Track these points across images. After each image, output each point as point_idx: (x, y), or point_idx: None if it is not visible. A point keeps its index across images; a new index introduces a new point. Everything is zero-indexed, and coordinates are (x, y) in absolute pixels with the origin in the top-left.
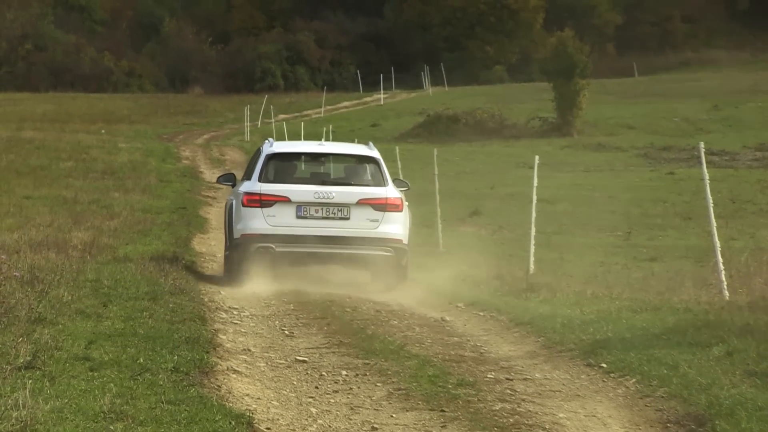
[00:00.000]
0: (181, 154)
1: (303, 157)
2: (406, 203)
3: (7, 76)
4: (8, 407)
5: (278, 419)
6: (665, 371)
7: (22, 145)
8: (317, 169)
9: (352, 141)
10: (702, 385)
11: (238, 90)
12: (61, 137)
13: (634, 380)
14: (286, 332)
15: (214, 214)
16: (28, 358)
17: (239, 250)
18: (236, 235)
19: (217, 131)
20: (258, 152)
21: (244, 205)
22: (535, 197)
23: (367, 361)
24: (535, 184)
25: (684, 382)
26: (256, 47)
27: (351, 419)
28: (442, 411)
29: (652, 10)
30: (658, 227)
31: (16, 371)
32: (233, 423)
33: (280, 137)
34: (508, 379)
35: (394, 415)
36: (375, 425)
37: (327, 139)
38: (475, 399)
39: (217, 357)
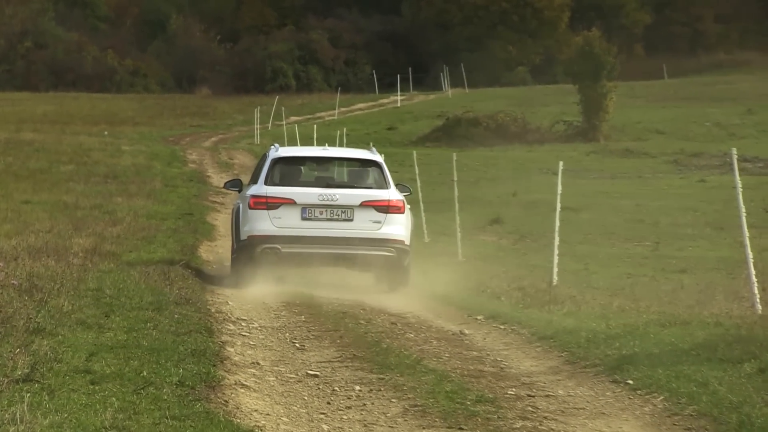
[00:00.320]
0: (187, 157)
1: (307, 161)
2: (408, 206)
3: (6, 75)
4: (5, 422)
5: None
6: (694, 388)
7: (20, 148)
8: (321, 172)
9: (367, 145)
10: (733, 404)
11: (247, 91)
12: (62, 139)
13: (661, 398)
14: (297, 345)
15: (222, 221)
16: (26, 371)
17: (246, 251)
18: (243, 236)
19: (226, 134)
20: (264, 157)
21: (250, 208)
22: (559, 205)
23: (381, 376)
24: (559, 191)
25: (714, 400)
26: (267, 46)
27: None
28: (461, 429)
29: (683, 10)
30: (687, 237)
31: (13, 384)
32: None
33: (292, 140)
34: (529, 395)
35: None
36: None
37: (341, 144)
38: (495, 416)
39: (225, 370)
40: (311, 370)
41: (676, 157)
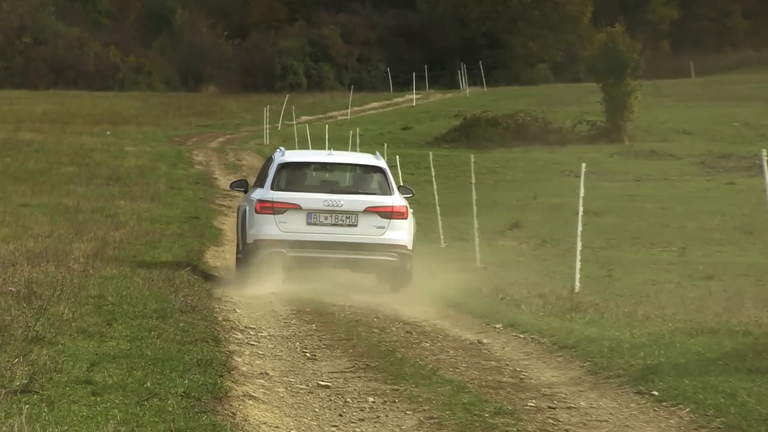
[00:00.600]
0: (193, 158)
1: (313, 166)
2: (411, 211)
3: (4, 72)
4: None
5: None
6: (722, 400)
7: (19, 148)
8: (326, 177)
9: (381, 146)
10: (762, 416)
11: (256, 89)
12: (62, 139)
13: (688, 410)
14: (308, 354)
15: (230, 225)
16: (25, 381)
17: (252, 254)
18: (249, 240)
19: (234, 134)
20: (270, 160)
21: (257, 212)
22: (581, 209)
23: (396, 387)
24: (582, 194)
25: (742, 412)
26: (277, 42)
27: None
28: None
29: (711, 5)
30: (715, 242)
31: (11, 395)
32: None
33: (303, 141)
34: (550, 407)
35: None
36: None
37: (354, 145)
38: (514, 429)
39: (232, 381)
40: (322, 381)
41: (704, 159)
